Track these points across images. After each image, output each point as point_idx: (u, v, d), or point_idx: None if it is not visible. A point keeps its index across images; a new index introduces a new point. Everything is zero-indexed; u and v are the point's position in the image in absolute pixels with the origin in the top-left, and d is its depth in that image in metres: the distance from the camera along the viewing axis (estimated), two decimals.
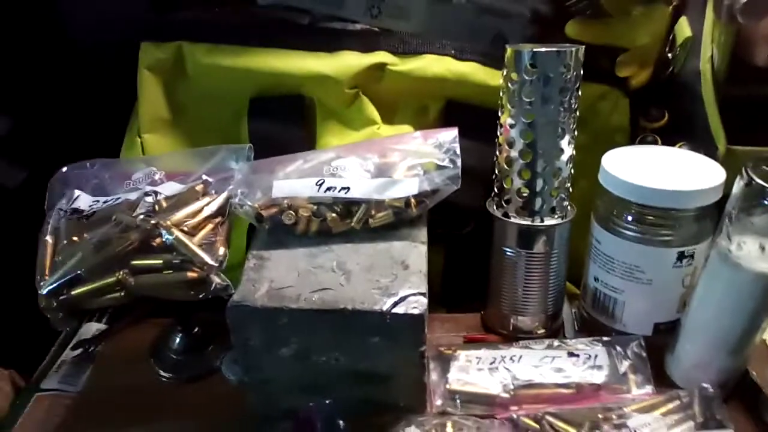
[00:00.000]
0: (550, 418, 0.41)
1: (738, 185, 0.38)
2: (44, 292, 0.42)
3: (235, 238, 0.50)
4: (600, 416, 0.40)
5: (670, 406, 0.41)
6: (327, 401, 0.43)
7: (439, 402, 0.45)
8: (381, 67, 0.53)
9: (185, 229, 0.44)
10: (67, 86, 0.61)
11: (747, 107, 0.49)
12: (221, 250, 0.44)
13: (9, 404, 0.50)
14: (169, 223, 0.44)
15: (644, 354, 0.46)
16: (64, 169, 0.50)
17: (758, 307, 0.40)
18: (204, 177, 0.49)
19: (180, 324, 0.52)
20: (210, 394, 0.49)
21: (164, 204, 0.47)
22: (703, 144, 0.50)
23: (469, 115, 0.54)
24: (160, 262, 0.43)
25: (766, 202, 0.36)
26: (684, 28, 0.54)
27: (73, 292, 0.43)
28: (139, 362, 0.51)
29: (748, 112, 0.49)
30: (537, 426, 0.41)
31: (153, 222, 0.44)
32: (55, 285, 0.42)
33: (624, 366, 0.46)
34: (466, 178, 0.46)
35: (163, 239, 0.43)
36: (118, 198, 0.48)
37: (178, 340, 0.52)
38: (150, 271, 0.43)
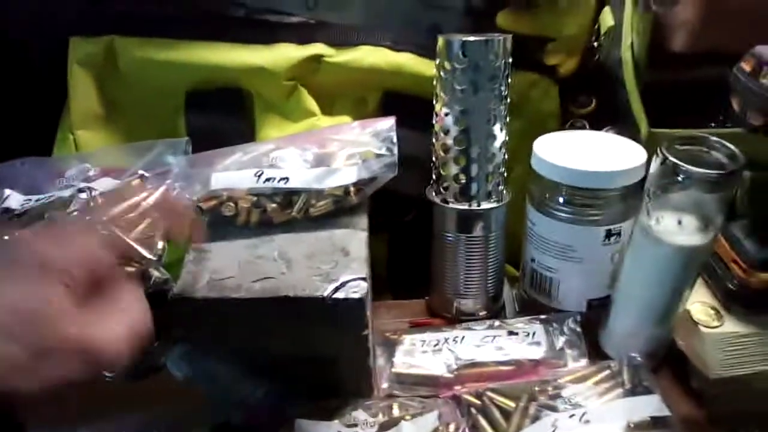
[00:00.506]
0: (491, 394, 0.43)
1: (655, 164, 0.40)
2: None
3: None
4: (537, 389, 0.42)
5: (601, 375, 0.43)
6: (274, 389, 0.43)
7: (385, 385, 0.46)
8: (317, 58, 0.54)
9: (122, 224, 0.44)
10: None
11: (666, 91, 0.52)
12: (160, 244, 0.43)
13: None
14: (105, 218, 0.43)
15: (579, 329, 0.48)
16: None
17: (679, 279, 0.43)
18: (140, 172, 0.48)
19: None
20: (156, 390, 0.48)
21: (99, 200, 0.46)
22: (627, 127, 0.53)
23: (407, 105, 0.55)
24: None
25: (680, 179, 0.39)
26: (607, 18, 0.57)
27: None
28: None
29: (667, 96, 0.52)
30: (478, 402, 0.43)
31: (88, 218, 0.43)
32: None
33: (560, 342, 0.48)
34: (407, 166, 0.47)
35: None
36: (51, 196, 0.47)
37: None
38: None
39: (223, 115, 0.54)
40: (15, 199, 0.47)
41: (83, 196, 0.46)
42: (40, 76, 0.56)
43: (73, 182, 0.48)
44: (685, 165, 0.38)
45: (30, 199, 0.47)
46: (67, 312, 0.29)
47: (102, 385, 0.48)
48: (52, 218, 0.44)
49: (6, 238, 0.33)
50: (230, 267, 0.42)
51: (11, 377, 0.27)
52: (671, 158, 0.38)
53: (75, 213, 0.44)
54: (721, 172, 0.38)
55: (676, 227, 0.41)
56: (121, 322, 0.31)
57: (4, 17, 0.57)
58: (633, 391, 0.42)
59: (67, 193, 0.47)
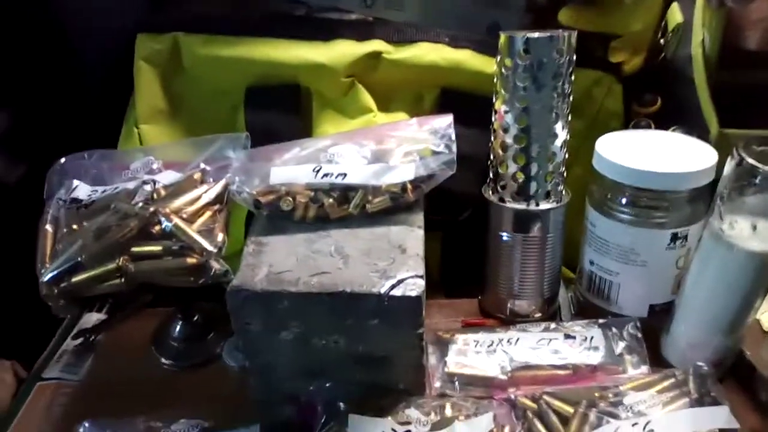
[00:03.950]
0: (548, 398, 0.42)
1: (729, 165, 0.38)
2: (46, 279, 0.42)
3: (234, 228, 0.51)
4: (596, 395, 0.41)
5: (666, 384, 0.42)
6: (328, 384, 0.43)
7: (438, 384, 0.46)
8: (376, 55, 0.54)
9: (184, 216, 0.45)
10: (64, 79, 0.61)
11: (738, 90, 0.50)
12: (220, 236, 0.44)
13: (11, 395, 0.50)
14: (167, 210, 0.44)
15: (639, 335, 0.47)
16: (62, 160, 0.51)
17: (751, 287, 0.41)
18: (202, 165, 0.49)
19: (180, 312, 0.52)
20: (211, 380, 0.49)
21: (162, 192, 0.47)
22: (695, 127, 0.51)
23: (463, 102, 0.54)
24: (160, 248, 0.43)
25: (756, 182, 0.37)
26: (675, 14, 0.55)
27: (73, 280, 0.43)
28: (140, 351, 0.52)
29: (739, 96, 0.50)
30: (534, 405, 0.42)
31: (152, 209, 0.44)
32: (56, 272, 0.42)
33: (620, 347, 0.46)
34: (462, 164, 0.47)
35: (162, 226, 0.44)
36: (117, 187, 0.48)
37: (178, 328, 0.52)
38: (150, 257, 0.43)
39: (281, 111, 0.54)
40: (82, 190, 0.49)
41: (147, 188, 0.48)
42: (107, 72, 0.58)
43: (138, 174, 0.50)
44: (764, 167, 0.36)
45: (96, 190, 0.49)
46: None
47: (155, 375, 0.50)
48: (117, 209, 0.46)
49: None
50: (288, 261, 0.42)
51: None
52: (748, 159, 0.36)
53: (140, 204, 0.46)
54: None
55: (750, 232, 0.39)
56: None
57: (74, 14, 0.59)
58: (700, 402, 0.40)
59: (131, 185, 0.48)
